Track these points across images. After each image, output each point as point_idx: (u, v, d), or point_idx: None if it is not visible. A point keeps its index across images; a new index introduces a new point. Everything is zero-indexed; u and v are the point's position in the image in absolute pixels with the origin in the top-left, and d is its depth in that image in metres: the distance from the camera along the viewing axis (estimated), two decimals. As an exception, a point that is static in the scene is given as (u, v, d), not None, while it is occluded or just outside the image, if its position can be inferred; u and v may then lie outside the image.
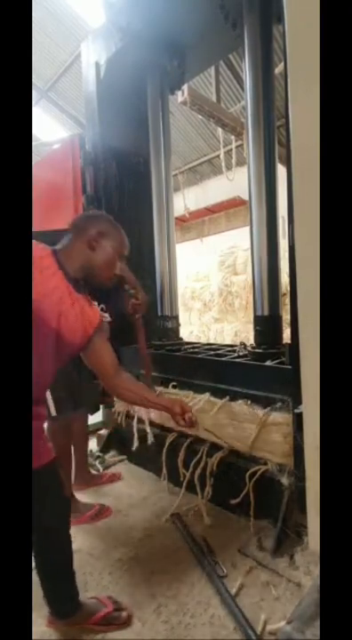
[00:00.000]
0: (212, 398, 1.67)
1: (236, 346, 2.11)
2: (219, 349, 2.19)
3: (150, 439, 1.91)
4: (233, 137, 4.30)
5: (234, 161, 4.34)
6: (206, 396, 1.70)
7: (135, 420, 2.04)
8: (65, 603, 1.13)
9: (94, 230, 1.15)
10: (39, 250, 1.09)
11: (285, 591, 1.20)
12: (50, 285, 1.06)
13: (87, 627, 1.12)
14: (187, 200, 7.60)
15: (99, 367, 1.21)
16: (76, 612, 1.13)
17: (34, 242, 1.05)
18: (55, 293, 1.06)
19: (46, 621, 1.14)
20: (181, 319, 2.75)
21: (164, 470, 1.87)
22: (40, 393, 1.13)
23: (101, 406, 2.42)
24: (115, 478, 2.09)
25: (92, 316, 1.16)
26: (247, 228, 1.94)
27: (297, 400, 1.17)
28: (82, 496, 1.87)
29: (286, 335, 1.56)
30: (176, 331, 2.46)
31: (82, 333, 1.13)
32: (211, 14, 1.93)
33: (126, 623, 1.14)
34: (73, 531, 1.15)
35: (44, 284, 1.04)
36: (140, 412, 2.03)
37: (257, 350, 1.78)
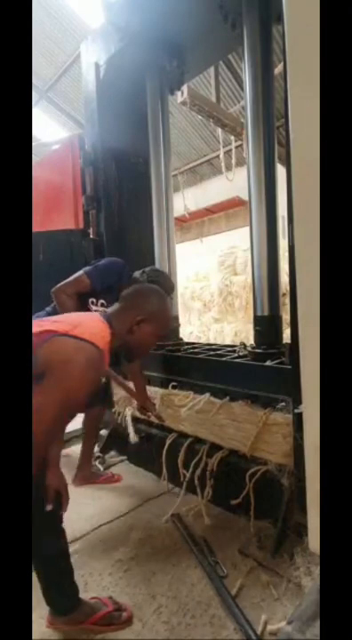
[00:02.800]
0: (212, 398, 1.67)
1: (235, 346, 2.11)
2: (219, 349, 2.19)
3: (133, 438, 1.98)
4: (232, 137, 4.30)
5: (233, 161, 4.34)
6: (206, 396, 1.70)
7: (129, 417, 2.06)
8: (64, 599, 1.13)
9: (139, 315, 1.15)
10: (104, 329, 1.09)
11: (286, 591, 1.20)
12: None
13: (87, 626, 1.12)
14: (186, 200, 7.60)
15: None
16: (76, 609, 1.12)
17: (95, 319, 1.09)
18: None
19: (46, 622, 1.14)
20: (181, 319, 2.75)
21: (165, 470, 1.87)
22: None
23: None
24: (114, 480, 2.09)
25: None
26: (247, 229, 1.94)
27: (297, 400, 1.17)
28: (79, 495, 1.87)
29: (286, 335, 1.56)
30: (176, 331, 2.46)
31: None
32: (210, 14, 1.93)
33: (126, 623, 1.14)
34: (71, 533, 1.13)
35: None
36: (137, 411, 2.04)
37: (257, 350, 1.78)
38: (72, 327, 1.00)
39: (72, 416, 1.68)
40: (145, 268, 1.92)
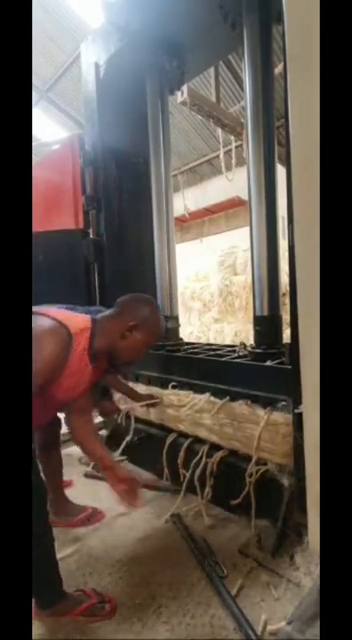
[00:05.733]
0: (213, 398, 1.67)
1: (235, 346, 2.11)
2: (219, 350, 2.19)
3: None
4: (232, 137, 4.30)
5: (233, 161, 4.34)
6: (206, 396, 1.70)
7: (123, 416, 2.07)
8: (48, 591, 1.14)
9: (131, 321, 1.20)
10: (83, 321, 1.16)
11: (286, 591, 1.20)
12: (76, 363, 1.13)
13: (71, 617, 1.13)
14: (186, 200, 7.60)
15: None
16: (60, 601, 1.14)
17: (81, 315, 1.15)
18: (74, 366, 1.13)
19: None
20: (181, 319, 2.75)
21: (166, 470, 1.87)
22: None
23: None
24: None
25: (87, 382, 1.24)
26: (247, 229, 1.94)
27: (297, 400, 1.17)
28: (79, 495, 1.87)
29: (286, 335, 1.56)
30: (176, 331, 2.46)
31: (74, 395, 1.23)
32: (210, 14, 1.93)
33: (110, 615, 1.16)
34: (71, 533, 1.14)
35: (74, 362, 1.12)
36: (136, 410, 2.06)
37: (257, 350, 1.78)
38: (53, 312, 1.08)
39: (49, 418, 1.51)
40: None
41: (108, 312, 1.24)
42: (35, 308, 1.11)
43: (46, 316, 1.08)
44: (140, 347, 1.26)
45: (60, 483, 1.75)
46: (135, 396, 1.93)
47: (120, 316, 1.21)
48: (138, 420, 2.11)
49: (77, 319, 1.15)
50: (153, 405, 1.95)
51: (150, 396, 1.95)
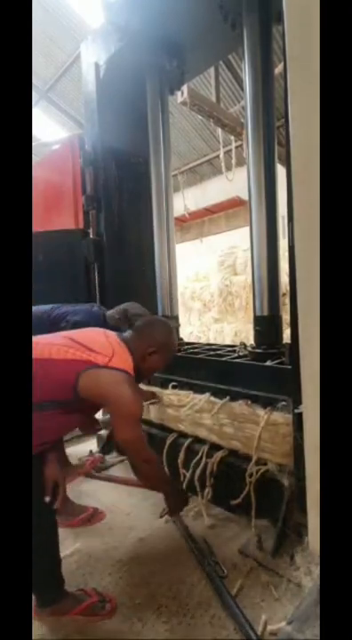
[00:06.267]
0: (213, 398, 1.67)
1: (236, 346, 2.11)
2: (219, 349, 2.19)
3: None
4: (232, 137, 4.31)
5: (233, 161, 4.35)
6: (206, 396, 1.70)
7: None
8: (49, 591, 1.14)
9: (151, 347, 1.31)
10: (129, 361, 1.24)
11: (286, 591, 1.20)
12: None
13: (71, 616, 1.14)
14: (186, 200, 7.60)
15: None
16: (61, 600, 1.15)
17: (122, 349, 1.24)
18: None
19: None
20: (181, 319, 2.75)
21: (166, 471, 1.87)
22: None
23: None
24: (96, 462, 2.08)
25: None
26: (247, 229, 1.94)
27: (297, 400, 1.17)
28: (79, 495, 1.87)
29: (286, 335, 1.56)
30: (176, 331, 2.46)
31: None
32: (210, 14, 1.93)
33: (110, 614, 1.16)
34: (72, 533, 1.15)
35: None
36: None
37: (257, 350, 1.78)
38: (109, 358, 1.16)
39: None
40: (121, 305, 1.90)
41: (130, 337, 1.33)
42: (67, 342, 1.18)
43: (118, 370, 1.16)
44: (157, 367, 1.39)
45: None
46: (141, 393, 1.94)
47: (140, 342, 1.31)
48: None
49: (127, 359, 1.23)
50: (153, 403, 1.96)
51: (153, 394, 1.96)
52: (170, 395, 1.89)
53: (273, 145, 1.80)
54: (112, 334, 1.32)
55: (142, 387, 2.06)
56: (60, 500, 1.18)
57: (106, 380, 1.12)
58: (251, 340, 1.91)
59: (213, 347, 2.38)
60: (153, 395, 1.96)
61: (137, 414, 1.18)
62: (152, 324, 1.43)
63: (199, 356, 2.00)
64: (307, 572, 1.23)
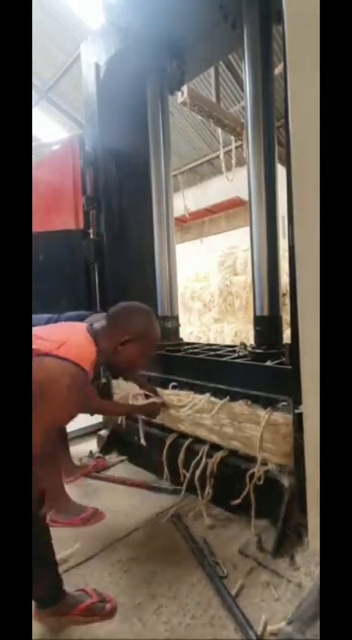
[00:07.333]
0: (213, 398, 1.67)
1: (236, 346, 2.11)
2: (219, 350, 2.19)
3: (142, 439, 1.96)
4: (232, 137, 4.31)
5: (233, 161, 4.35)
6: (206, 396, 1.70)
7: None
8: (48, 592, 1.13)
9: (123, 336, 1.14)
10: (91, 351, 1.09)
11: (286, 592, 1.20)
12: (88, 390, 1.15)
13: (71, 617, 1.13)
14: (186, 200, 7.60)
15: None
16: (60, 601, 1.13)
17: (85, 339, 1.08)
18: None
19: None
20: (181, 319, 2.75)
21: (166, 471, 1.87)
22: None
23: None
24: (99, 466, 2.07)
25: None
26: (247, 229, 1.94)
27: (297, 400, 1.17)
28: (79, 495, 1.87)
29: (286, 335, 1.56)
30: (176, 331, 2.46)
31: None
32: (210, 14, 1.93)
33: (110, 614, 1.16)
34: (72, 533, 1.15)
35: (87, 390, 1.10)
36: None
37: (257, 350, 1.78)
38: (57, 345, 0.99)
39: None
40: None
41: (100, 325, 1.18)
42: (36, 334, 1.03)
43: (53, 357, 0.99)
44: (134, 359, 1.21)
45: (63, 481, 1.76)
46: (147, 389, 1.92)
47: (111, 331, 1.15)
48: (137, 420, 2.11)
49: (83, 348, 1.07)
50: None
51: (153, 391, 1.94)
52: (170, 395, 1.89)
53: (273, 145, 1.80)
54: (81, 325, 1.19)
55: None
56: (46, 508, 1.12)
57: (38, 368, 0.93)
58: (251, 341, 1.91)
59: (213, 347, 2.38)
60: (153, 391, 1.94)
61: (58, 416, 0.99)
62: (126, 309, 1.23)
63: (199, 356, 2.00)
64: (307, 572, 1.23)
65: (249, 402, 1.54)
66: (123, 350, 1.15)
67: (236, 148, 4.35)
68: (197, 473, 1.66)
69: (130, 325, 1.17)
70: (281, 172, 1.62)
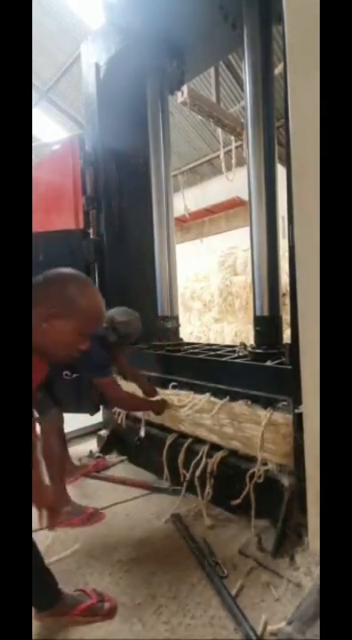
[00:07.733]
0: (213, 398, 1.67)
1: (236, 346, 2.11)
2: (219, 350, 2.19)
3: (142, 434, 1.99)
4: (232, 137, 4.31)
5: (233, 161, 4.35)
6: (206, 396, 1.70)
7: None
8: (45, 594, 1.13)
9: (48, 309, 0.90)
10: None
11: (286, 592, 1.20)
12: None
13: (71, 617, 1.13)
14: (186, 200, 7.60)
15: None
16: (57, 602, 1.13)
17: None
18: None
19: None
20: (181, 319, 2.75)
21: (166, 471, 1.87)
22: None
23: (101, 407, 2.42)
24: (99, 466, 2.09)
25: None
26: (247, 229, 1.94)
27: (297, 400, 1.17)
28: (78, 495, 1.87)
29: (286, 335, 1.56)
30: (176, 331, 2.46)
31: None
32: (210, 15, 1.93)
33: (110, 614, 1.15)
34: (72, 533, 1.12)
35: None
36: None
37: (257, 351, 1.78)
38: None
39: None
40: (109, 311, 1.78)
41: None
42: None
43: None
44: (68, 339, 0.95)
45: (63, 481, 1.77)
46: (146, 389, 1.94)
47: (35, 308, 0.86)
48: (137, 420, 2.11)
49: None
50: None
51: (154, 390, 1.95)
52: (170, 395, 1.89)
53: (273, 145, 1.81)
54: None
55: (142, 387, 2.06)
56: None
57: None
58: (251, 341, 1.91)
59: (213, 347, 2.38)
60: (154, 391, 1.94)
61: None
62: (48, 277, 0.95)
63: (199, 356, 2.00)
64: (307, 572, 1.23)
65: (249, 402, 1.54)
66: (50, 328, 0.90)
67: (236, 147, 4.35)
68: (197, 473, 1.66)
69: (56, 296, 0.92)
70: (281, 172, 1.62)
